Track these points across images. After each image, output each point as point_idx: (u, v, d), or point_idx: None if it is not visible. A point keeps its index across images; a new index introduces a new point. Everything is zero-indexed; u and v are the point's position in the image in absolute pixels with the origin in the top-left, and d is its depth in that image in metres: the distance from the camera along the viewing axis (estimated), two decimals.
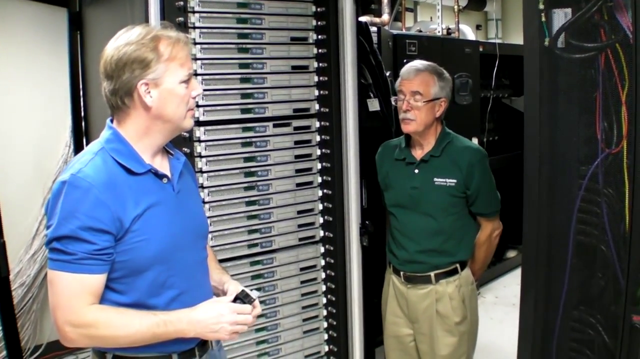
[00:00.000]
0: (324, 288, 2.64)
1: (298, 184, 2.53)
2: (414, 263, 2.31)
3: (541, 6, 1.56)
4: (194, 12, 2.20)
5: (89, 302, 1.36)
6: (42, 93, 3.47)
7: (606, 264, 1.57)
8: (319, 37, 2.50)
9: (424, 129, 2.26)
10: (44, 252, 3.35)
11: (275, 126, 2.44)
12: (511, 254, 5.14)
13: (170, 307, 1.45)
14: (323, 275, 2.64)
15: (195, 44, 2.21)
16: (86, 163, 1.39)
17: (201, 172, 2.26)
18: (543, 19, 1.56)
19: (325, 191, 2.59)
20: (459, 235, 2.29)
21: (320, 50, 2.51)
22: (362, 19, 3.15)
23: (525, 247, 1.68)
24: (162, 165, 1.52)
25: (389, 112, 3.06)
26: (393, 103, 2.39)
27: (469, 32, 6.23)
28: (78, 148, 3.18)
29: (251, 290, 1.54)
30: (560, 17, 1.56)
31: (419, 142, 2.32)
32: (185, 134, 2.15)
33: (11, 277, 2.89)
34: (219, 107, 2.29)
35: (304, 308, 2.60)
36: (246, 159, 2.38)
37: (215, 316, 1.44)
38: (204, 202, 2.27)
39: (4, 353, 2.70)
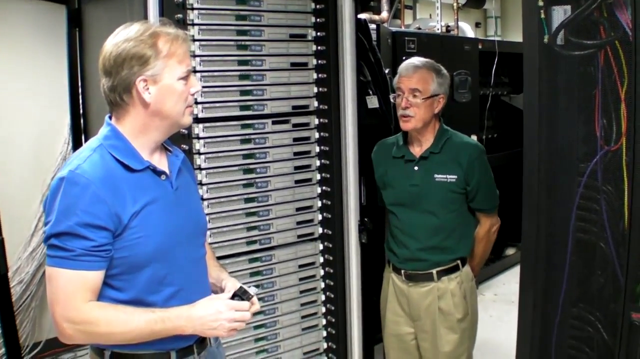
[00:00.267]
0: (322, 285, 2.65)
1: (297, 181, 2.53)
2: (416, 261, 2.30)
3: (540, 3, 1.55)
4: (192, 9, 2.20)
5: (87, 299, 1.36)
6: (41, 90, 3.45)
7: (605, 262, 1.57)
8: (318, 34, 2.50)
9: (422, 125, 2.26)
10: (43, 249, 3.35)
11: (274, 123, 2.44)
12: (510, 251, 5.15)
13: (168, 304, 1.45)
14: (322, 272, 2.64)
15: (194, 40, 2.21)
16: (84, 160, 1.39)
17: (200, 169, 2.26)
18: (542, 16, 1.55)
19: (324, 188, 2.59)
20: (459, 231, 2.30)
21: (319, 48, 2.50)
22: (361, 16, 3.15)
23: (524, 244, 1.68)
24: (160, 162, 1.52)
25: (388, 110, 3.05)
26: (392, 100, 2.39)
27: (468, 30, 6.21)
28: (77, 145, 3.17)
29: (249, 287, 1.54)
30: (560, 14, 1.56)
31: (417, 139, 2.32)
32: (183, 130, 2.15)
33: (10, 274, 2.89)
34: (217, 104, 2.29)
35: (302, 305, 2.60)
36: (245, 156, 2.38)
37: (213, 313, 1.44)
38: (203, 199, 2.26)
39: (3, 350, 2.70)
